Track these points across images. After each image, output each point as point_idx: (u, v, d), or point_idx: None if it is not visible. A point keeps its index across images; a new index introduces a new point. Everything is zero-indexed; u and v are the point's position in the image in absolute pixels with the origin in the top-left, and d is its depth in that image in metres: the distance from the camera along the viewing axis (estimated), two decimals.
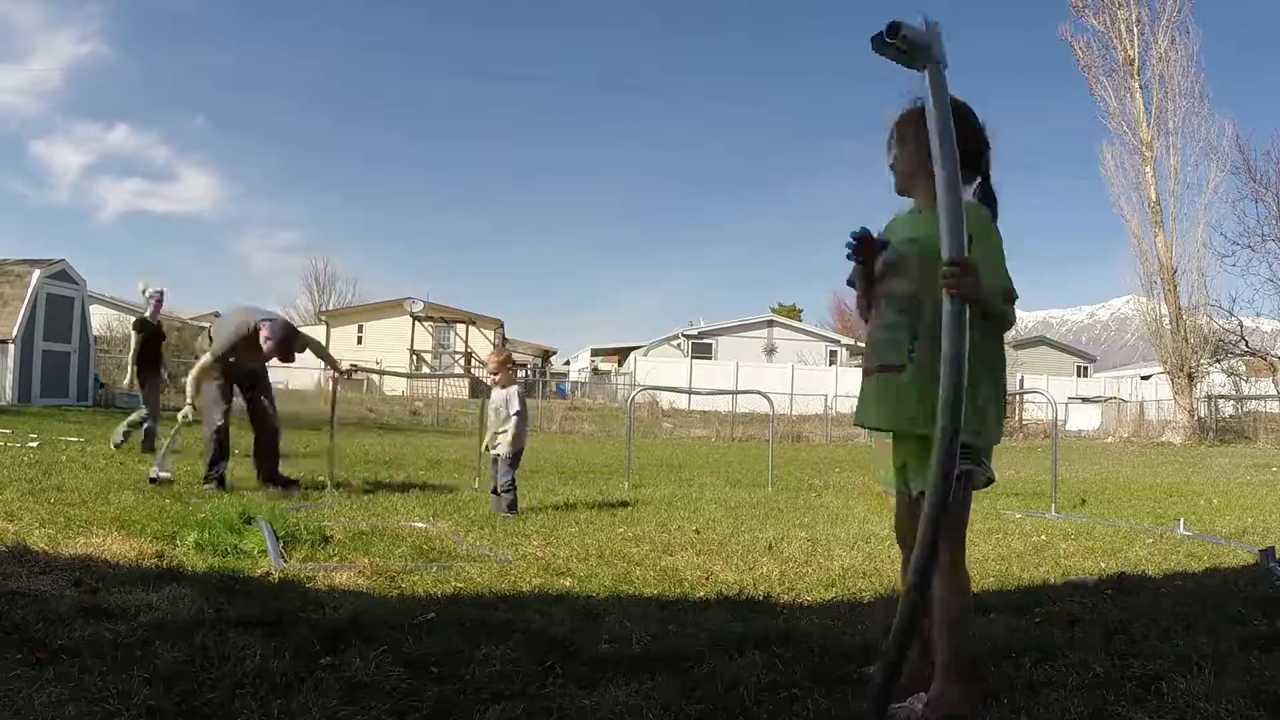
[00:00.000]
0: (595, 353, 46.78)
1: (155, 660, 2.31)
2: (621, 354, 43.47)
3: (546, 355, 51.54)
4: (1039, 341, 46.86)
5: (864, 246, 2.25)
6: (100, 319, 23.17)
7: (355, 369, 8.59)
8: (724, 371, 33.43)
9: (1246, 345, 25.10)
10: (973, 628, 2.41)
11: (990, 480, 2.22)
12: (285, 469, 6.55)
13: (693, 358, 36.53)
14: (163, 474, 5.91)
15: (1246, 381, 26.74)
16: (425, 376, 30.85)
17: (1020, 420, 27.63)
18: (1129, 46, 24.13)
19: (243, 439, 6.62)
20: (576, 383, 41.27)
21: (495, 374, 5.79)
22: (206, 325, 6.04)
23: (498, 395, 5.74)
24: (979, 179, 2.29)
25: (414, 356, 35.26)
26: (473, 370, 35.68)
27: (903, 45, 1.80)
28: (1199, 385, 24.64)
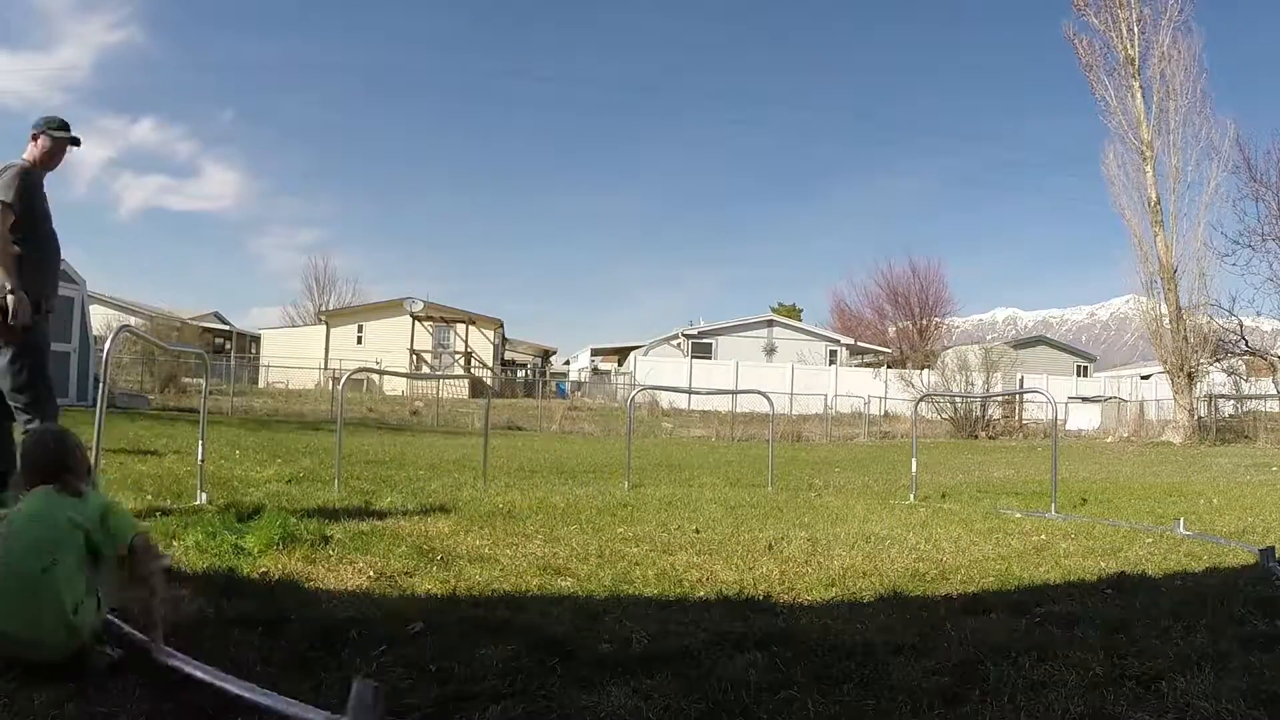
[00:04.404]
0: (595, 353, 46.78)
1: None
2: (621, 354, 43.47)
3: (546, 355, 51.56)
4: (1039, 341, 46.83)
5: None
6: (100, 319, 23.19)
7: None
8: (724, 371, 33.44)
9: (1246, 345, 25.07)
10: None
11: None
12: None
13: (693, 357, 36.53)
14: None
15: (1246, 381, 26.70)
16: (425, 377, 30.83)
17: (1020, 420, 27.61)
18: (1130, 46, 24.12)
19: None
20: (576, 383, 41.28)
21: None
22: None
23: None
24: None
25: (414, 356, 35.27)
26: (472, 369, 35.68)
27: None
28: (1199, 385, 24.60)
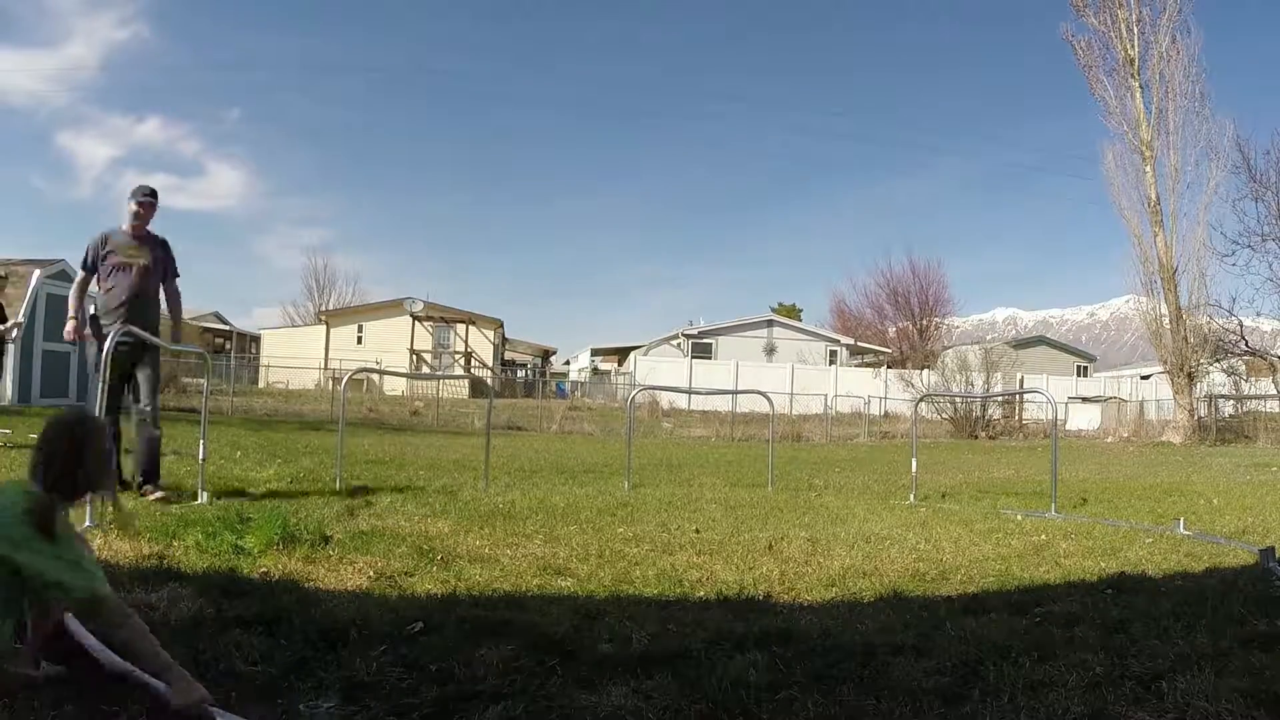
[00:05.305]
0: (595, 353, 46.78)
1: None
2: (621, 354, 43.48)
3: (546, 355, 51.57)
4: (1039, 341, 46.85)
5: None
6: None
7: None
8: (724, 371, 33.44)
9: (1246, 345, 25.06)
10: None
11: None
12: None
13: (693, 357, 36.53)
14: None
15: (1246, 381, 26.70)
16: (425, 377, 30.83)
17: (1020, 420, 27.61)
18: (1129, 46, 24.12)
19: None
20: (576, 383, 41.28)
21: None
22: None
23: None
24: None
25: (414, 356, 35.27)
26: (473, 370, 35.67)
27: None
28: (1199, 385, 24.60)
